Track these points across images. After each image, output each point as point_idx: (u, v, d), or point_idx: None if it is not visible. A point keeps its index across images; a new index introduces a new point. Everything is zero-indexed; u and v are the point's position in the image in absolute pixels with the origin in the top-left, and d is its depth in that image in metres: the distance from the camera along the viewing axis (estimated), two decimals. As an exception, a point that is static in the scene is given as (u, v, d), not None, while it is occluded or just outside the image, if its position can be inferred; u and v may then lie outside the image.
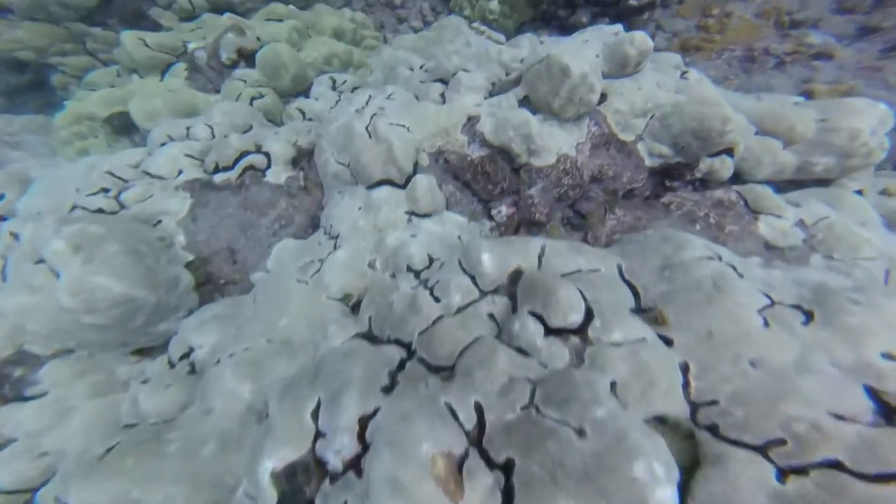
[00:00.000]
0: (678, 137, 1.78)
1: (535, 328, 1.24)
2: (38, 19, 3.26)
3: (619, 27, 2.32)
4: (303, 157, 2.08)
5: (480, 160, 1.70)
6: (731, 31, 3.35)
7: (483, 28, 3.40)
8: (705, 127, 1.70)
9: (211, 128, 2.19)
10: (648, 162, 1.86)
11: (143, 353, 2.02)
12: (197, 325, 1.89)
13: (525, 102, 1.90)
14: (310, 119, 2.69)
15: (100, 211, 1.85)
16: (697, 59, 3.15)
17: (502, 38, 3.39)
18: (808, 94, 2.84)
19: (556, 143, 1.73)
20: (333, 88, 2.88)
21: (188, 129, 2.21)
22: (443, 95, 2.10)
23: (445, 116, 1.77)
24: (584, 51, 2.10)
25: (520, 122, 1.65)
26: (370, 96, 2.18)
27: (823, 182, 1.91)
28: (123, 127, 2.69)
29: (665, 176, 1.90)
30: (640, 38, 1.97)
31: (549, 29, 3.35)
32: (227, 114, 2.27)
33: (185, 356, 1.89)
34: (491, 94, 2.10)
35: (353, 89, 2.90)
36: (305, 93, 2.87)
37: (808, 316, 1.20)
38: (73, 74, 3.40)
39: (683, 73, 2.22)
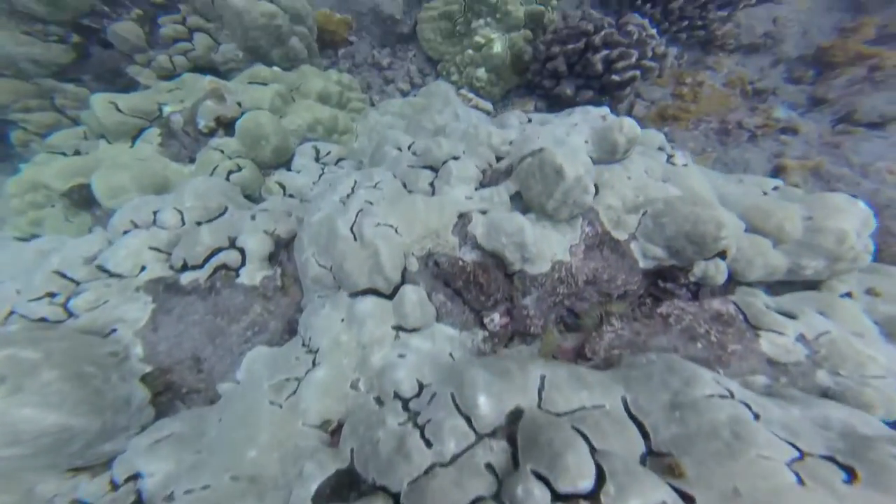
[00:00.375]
0: (672, 240, 1.72)
1: (540, 495, 1.08)
2: (7, 75, 3.03)
3: (605, 110, 2.32)
4: (281, 248, 1.91)
5: (473, 269, 1.58)
6: (703, 100, 3.48)
7: (470, 95, 3.40)
8: (699, 231, 1.65)
9: (181, 213, 1.99)
10: (642, 264, 1.79)
11: (80, 469, 1.72)
12: (149, 447, 1.63)
13: (517, 198, 1.82)
14: (290, 195, 2.54)
15: (42, 320, 1.61)
16: (676, 130, 3.23)
17: (489, 105, 3.40)
18: (780, 169, 2.93)
19: (551, 248, 1.64)
20: (317, 159, 2.76)
21: (155, 213, 2.01)
22: (432, 185, 2.00)
23: (436, 217, 1.66)
24: (573, 139, 2.07)
25: (513, 229, 1.56)
26: (356, 182, 2.06)
27: (812, 283, 1.89)
28: (84, 200, 2.45)
29: (659, 276, 1.84)
30: (629, 125, 1.96)
31: (535, 97, 3.38)
32: (199, 195, 2.08)
33: (133, 478, 1.62)
34: (482, 184, 2.02)
35: (338, 161, 2.79)
36: (287, 163, 2.73)
37: (849, 473, 1.09)
38: (36, 132, 3.15)
39: (669, 156, 2.23)
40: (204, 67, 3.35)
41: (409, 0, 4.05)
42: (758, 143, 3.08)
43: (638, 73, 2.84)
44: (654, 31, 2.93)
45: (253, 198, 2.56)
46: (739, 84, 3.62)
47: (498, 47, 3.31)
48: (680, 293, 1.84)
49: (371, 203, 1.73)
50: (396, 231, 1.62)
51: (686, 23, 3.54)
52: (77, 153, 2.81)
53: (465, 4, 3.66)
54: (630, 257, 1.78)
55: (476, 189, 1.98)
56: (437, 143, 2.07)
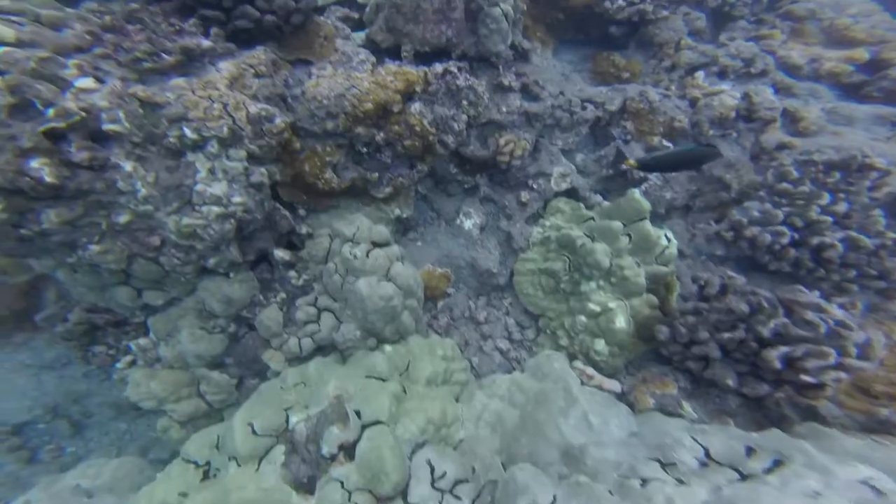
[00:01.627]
0: None
1: None
2: (175, 367, 3.85)
3: (868, 472, 1.99)
4: None
5: None
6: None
7: (591, 372, 3.36)
8: None
9: None
10: None
11: None
12: None
13: None
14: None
15: None
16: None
17: (616, 386, 3.29)
18: None
19: None
20: (432, 483, 2.75)
21: None
22: None
23: None
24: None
25: None
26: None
27: None
28: (206, 539, 2.63)
29: None
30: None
31: (674, 374, 3.19)
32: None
33: None
34: None
35: (454, 484, 2.74)
36: (405, 492, 2.74)
37: None
38: (178, 420, 3.77)
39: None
40: (326, 348, 3.96)
41: (504, 249, 4.61)
42: None
43: (844, 375, 2.52)
44: (839, 313, 2.69)
45: (369, 550, 2.52)
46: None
47: (621, 321, 3.36)
48: None
49: None
50: None
51: (853, 273, 3.30)
52: (208, 464, 3.22)
53: (569, 263, 3.98)
54: None
55: None
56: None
